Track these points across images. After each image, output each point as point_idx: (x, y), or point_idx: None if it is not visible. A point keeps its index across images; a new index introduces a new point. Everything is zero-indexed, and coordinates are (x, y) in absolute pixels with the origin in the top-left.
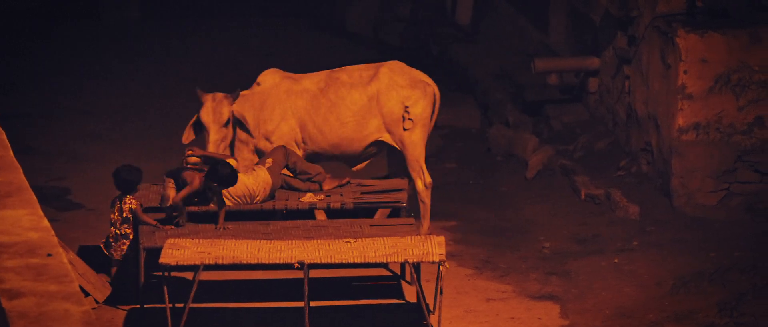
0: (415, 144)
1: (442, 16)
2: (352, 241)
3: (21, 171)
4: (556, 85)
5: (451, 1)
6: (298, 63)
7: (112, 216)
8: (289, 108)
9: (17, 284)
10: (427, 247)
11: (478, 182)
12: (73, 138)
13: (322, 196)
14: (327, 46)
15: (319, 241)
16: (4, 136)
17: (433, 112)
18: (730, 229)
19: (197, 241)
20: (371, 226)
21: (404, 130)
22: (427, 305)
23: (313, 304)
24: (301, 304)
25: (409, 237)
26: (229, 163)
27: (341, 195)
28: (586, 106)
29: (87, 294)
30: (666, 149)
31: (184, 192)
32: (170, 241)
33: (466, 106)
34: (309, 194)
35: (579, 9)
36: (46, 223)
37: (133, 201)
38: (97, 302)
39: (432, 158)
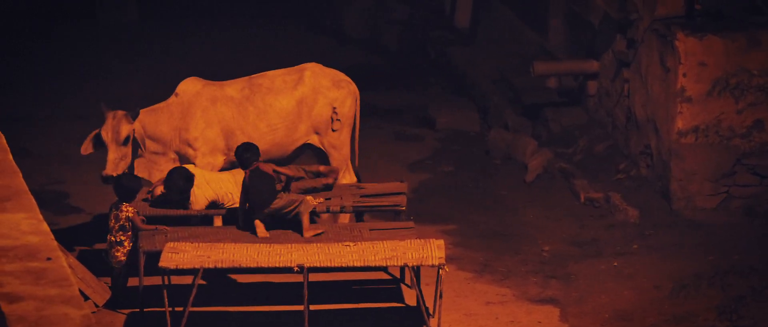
0: (343, 144)
1: (440, 18)
2: (351, 244)
3: (20, 175)
4: (555, 88)
5: (450, 4)
6: (296, 65)
7: (109, 223)
8: (214, 115)
9: (17, 288)
10: (426, 250)
11: (477, 186)
12: (72, 141)
13: (322, 200)
14: (324, 49)
15: (318, 244)
16: (3, 140)
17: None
18: (729, 232)
19: (197, 244)
20: (371, 229)
21: (333, 131)
22: (426, 309)
23: (312, 307)
24: (300, 307)
25: (409, 241)
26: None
27: (341, 198)
28: (585, 110)
29: (87, 298)
30: (665, 152)
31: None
32: (170, 244)
33: (464, 109)
34: (309, 198)
35: (578, 12)
36: (45, 226)
37: (130, 208)
38: (96, 306)
39: (430, 162)
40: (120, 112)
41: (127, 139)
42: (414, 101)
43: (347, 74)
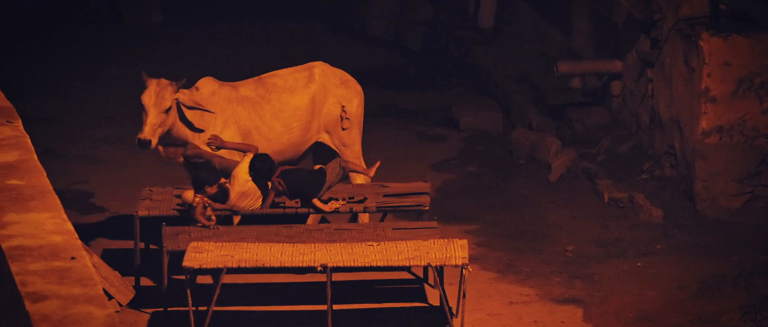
0: (354, 141)
1: (464, 19)
2: (374, 244)
3: (45, 174)
4: (578, 88)
5: (473, 4)
6: None
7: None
8: (231, 116)
9: (41, 287)
10: (449, 250)
11: (501, 185)
12: (96, 141)
13: (344, 202)
14: (348, 50)
15: (342, 244)
16: (28, 140)
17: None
18: (753, 232)
19: (220, 244)
20: (394, 229)
21: (343, 129)
22: (449, 309)
23: (336, 307)
24: (324, 307)
25: (432, 240)
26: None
27: (364, 198)
28: (609, 110)
29: (110, 297)
30: (689, 152)
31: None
32: (193, 244)
33: (488, 109)
34: (331, 201)
35: (602, 12)
36: (69, 226)
37: (197, 198)
38: (120, 305)
39: (454, 161)
40: (164, 80)
41: (169, 107)
42: (437, 101)
43: (371, 75)
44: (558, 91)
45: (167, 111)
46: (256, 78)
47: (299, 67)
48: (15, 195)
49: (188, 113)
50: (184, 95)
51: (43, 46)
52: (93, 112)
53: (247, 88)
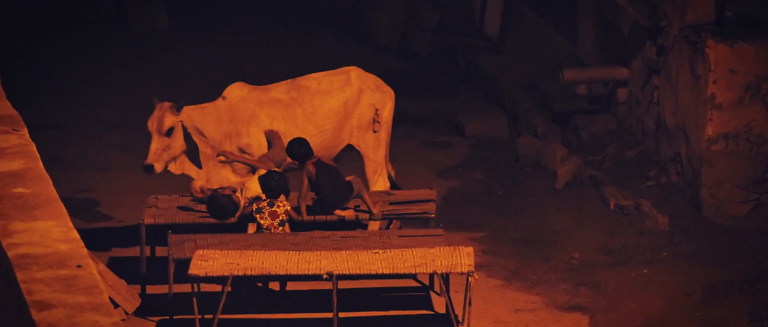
0: (380, 145)
1: (470, 26)
2: (380, 251)
3: (50, 182)
4: (584, 95)
5: (479, 12)
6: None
7: (258, 217)
8: (264, 119)
9: (47, 296)
10: (455, 257)
11: (507, 193)
12: (102, 149)
13: (350, 210)
14: (355, 55)
15: (347, 251)
16: (34, 148)
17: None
18: (759, 239)
19: (226, 252)
20: (400, 236)
21: (374, 132)
22: (455, 316)
23: (341, 314)
24: (329, 314)
25: (438, 248)
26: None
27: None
28: (615, 117)
29: (117, 305)
30: (695, 159)
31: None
32: (199, 252)
33: (494, 116)
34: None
35: (607, 19)
36: (75, 234)
37: (287, 203)
38: (126, 313)
39: (459, 168)
40: (166, 104)
41: (170, 130)
42: (443, 108)
43: None
44: (564, 98)
45: (169, 133)
46: (289, 81)
47: (333, 71)
48: (21, 203)
49: (204, 122)
50: (188, 119)
51: (49, 50)
52: (99, 118)
53: (278, 90)
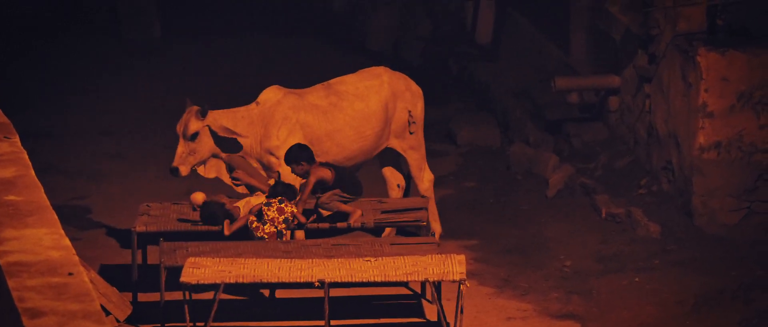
0: (420, 144)
1: (462, 34)
2: (372, 259)
3: (42, 190)
4: (576, 103)
5: (471, 20)
6: (320, 80)
7: (265, 211)
8: (296, 123)
9: (38, 303)
10: (447, 265)
11: (499, 201)
12: (94, 156)
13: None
14: (347, 63)
15: (339, 259)
16: (26, 156)
17: None
18: (751, 247)
19: (218, 259)
20: (392, 244)
21: (410, 133)
22: (447, 324)
23: (333, 322)
24: (321, 322)
25: (430, 256)
26: (220, 203)
27: (362, 214)
28: (606, 125)
29: (108, 313)
30: (687, 168)
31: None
32: (191, 259)
33: (486, 124)
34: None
35: (599, 27)
36: (67, 241)
37: (293, 206)
38: (118, 321)
39: (452, 177)
40: (194, 107)
41: (195, 134)
42: (435, 116)
43: None
44: (556, 107)
45: (194, 138)
46: (324, 84)
47: (363, 73)
48: (12, 211)
49: (234, 127)
50: (216, 122)
51: (41, 60)
52: (91, 126)
53: (315, 95)
